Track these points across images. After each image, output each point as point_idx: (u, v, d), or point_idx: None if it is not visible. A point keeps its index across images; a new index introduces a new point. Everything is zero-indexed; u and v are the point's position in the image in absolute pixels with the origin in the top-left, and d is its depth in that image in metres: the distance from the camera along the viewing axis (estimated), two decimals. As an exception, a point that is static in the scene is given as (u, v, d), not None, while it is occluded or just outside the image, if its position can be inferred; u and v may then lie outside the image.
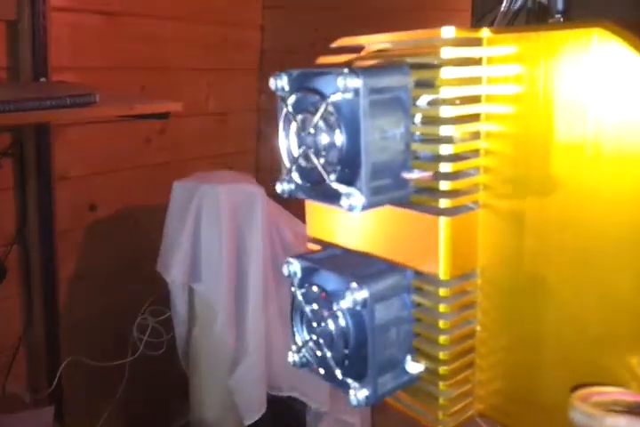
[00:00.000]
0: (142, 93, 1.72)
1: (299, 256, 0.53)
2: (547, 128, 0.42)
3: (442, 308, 0.47)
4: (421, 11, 1.79)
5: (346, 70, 0.42)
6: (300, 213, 1.86)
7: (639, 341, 0.39)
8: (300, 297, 0.52)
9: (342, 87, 0.43)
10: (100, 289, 1.66)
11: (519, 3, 0.77)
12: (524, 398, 0.48)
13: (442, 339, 0.48)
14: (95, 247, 1.66)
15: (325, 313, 0.49)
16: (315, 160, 0.46)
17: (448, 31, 0.43)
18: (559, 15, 0.64)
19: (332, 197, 0.46)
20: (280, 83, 0.49)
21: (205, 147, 1.93)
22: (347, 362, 0.49)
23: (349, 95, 0.43)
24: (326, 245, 0.56)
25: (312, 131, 0.46)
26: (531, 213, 0.44)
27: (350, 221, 0.53)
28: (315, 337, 0.51)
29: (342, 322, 0.48)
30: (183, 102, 1.50)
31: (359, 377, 0.48)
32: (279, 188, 0.51)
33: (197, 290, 1.52)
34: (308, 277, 0.52)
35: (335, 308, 0.48)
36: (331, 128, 0.45)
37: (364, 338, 0.47)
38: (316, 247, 0.57)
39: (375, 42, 0.49)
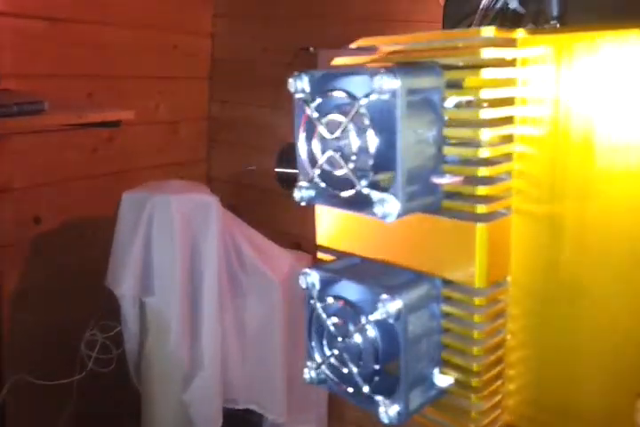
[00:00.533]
0: (90, 101, 1.65)
1: (316, 267, 0.50)
2: (587, 131, 0.41)
3: (476, 317, 0.45)
4: (375, 22, 1.79)
5: (383, 70, 0.40)
6: (257, 224, 1.81)
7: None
8: (320, 311, 0.49)
9: (378, 88, 0.40)
10: (45, 305, 1.57)
11: (492, 14, 0.77)
12: (558, 408, 0.46)
13: (475, 350, 0.46)
14: (40, 262, 1.57)
15: (351, 327, 0.47)
16: (343, 165, 0.44)
17: (488, 31, 0.41)
18: (555, 21, 0.64)
19: (362, 205, 0.44)
20: (300, 84, 0.46)
21: (155, 156, 1.87)
22: (376, 378, 0.46)
23: (386, 96, 0.41)
24: (341, 255, 0.53)
25: (340, 134, 0.43)
26: (569, 219, 0.43)
27: (369, 229, 0.51)
28: (337, 353, 0.48)
29: (371, 336, 0.46)
30: (132, 110, 1.45)
31: (389, 393, 0.46)
32: (297, 195, 0.48)
33: (149, 304, 1.47)
34: (328, 288, 0.49)
35: (363, 321, 0.46)
36: (362, 131, 0.42)
37: (396, 352, 0.45)
38: (327, 257, 0.55)
39: (401, 42, 0.47)
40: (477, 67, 0.42)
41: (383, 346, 0.46)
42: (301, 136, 0.47)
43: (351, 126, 0.43)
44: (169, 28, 1.85)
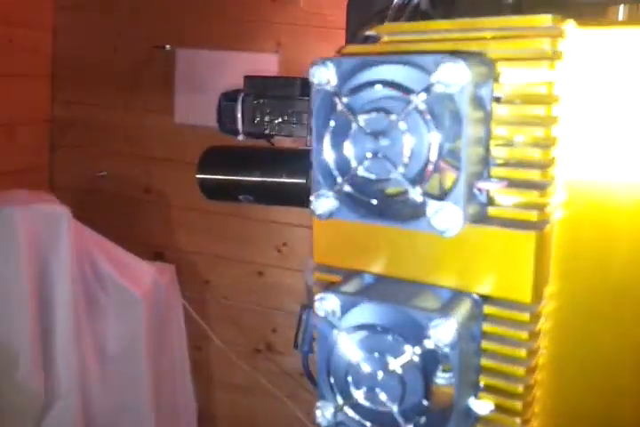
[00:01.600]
0: None
1: (332, 290, 0.43)
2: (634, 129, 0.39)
3: (524, 335, 0.41)
4: (232, 21, 1.71)
5: (448, 58, 0.34)
6: (113, 234, 1.65)
7: None
8: (345, 342, 0.41)
9: (444, 80, 0.34)
10: None
11: (403, 14, 0.75)
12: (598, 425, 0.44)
13: (521, 370, 0.42)
14: None
15: (389, 359, 0.40)
16: (392, 170, 0.37)
17: (545, 19, 0.37)
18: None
19: (409, 216, 0.38)
20: (325, 74, 0.38)
21: (-12, 163, 1.62)
22: (422, 416, 0.40)
23: (452, 90, 0.35)
24: (345, 273, 0.46)
25: (387, 134, 0.37)
26: (623, 225, 0.40)
27: (387, 242, 0.44)
28: (368, 390, 0.41)
29: (417, 368, 0.40)
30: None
31: (436, 430, 0.40)
32: (318, 206, 0.40)
33: (-8, 332, 1.28)
34: (351, 315, 0.42)
35: (408, 350, 0.39)
36: (416, 130, 0.36)
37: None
38: (327, 277, 0.47)
39: (435, 29, 0.41)
40: (530, 59, 0.38)
41: (430, 378, 0.40)
42: (326, 137, 0.39)
43: (402, 125, 0.36)
44: (3, 19, 1.61)
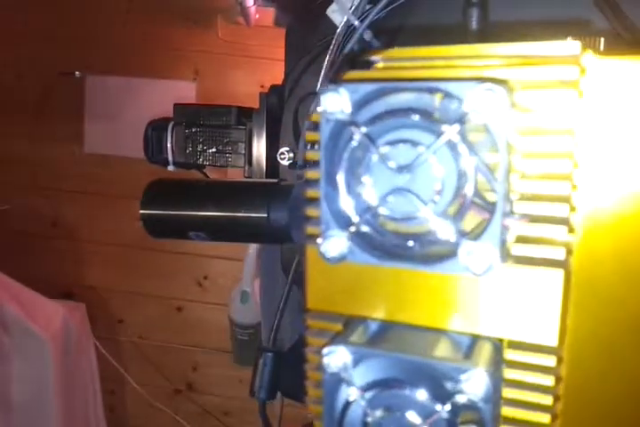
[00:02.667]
0: None
1: (342, 342, 0.38)
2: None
3: (550, 382, 0.38)
4: (148, 49, 1.64)
5: (486, 83, 0.31)
6: (16, 274, 1.53)
7: None
8: (361, 402, 0.37)
9: (482, 108, 0.31)
10: None
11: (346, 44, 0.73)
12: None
13: (546, 418, 0.39)
14: None
15: (413, 418, 0.36)
16: (420, 207, 0.33)
17: (573, 46, 0.35)
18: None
19: (438, 258, 0.34)
20: (337, 102, 0.34)
21: None
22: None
23: (493, 118, 0.32)
24: (349, 321, 0.42)
25: (413, 168, 0.33)
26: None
27: (393, 286, 0.40)
28: (389, 452, 0.37)
29: (446, 424, 0.36)
30: None
31: None
32: (328, 248, 0.36)
33: None
34: (364, 369, 0.37)
35: (438, 409, 0.35)
36: (447, 163, 0.33)
37: (480, 439, 0.36)
38: (324, 324, 0.43)
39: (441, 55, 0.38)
40: (550, 87, 0.36)
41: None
42: (339, 172, 0.35)
43: (431, 158, 0.33)
44: None
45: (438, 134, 0.32)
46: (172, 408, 1.91)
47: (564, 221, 0.37)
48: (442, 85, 0.33)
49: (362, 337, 0.40)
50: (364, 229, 0.35)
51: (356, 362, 0.37)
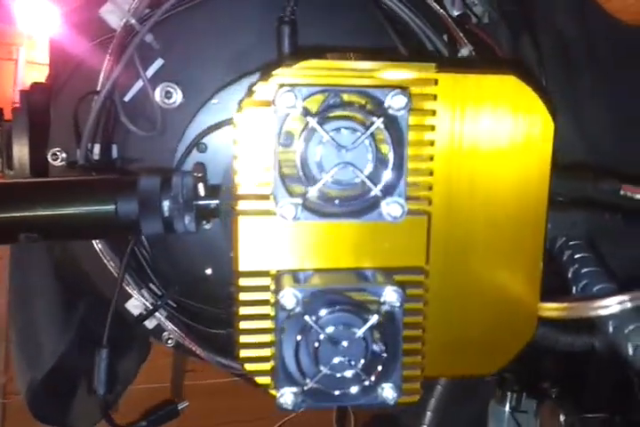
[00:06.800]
0: None
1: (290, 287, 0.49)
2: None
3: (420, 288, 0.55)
4: None
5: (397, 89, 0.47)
6: None
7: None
8: (314, 325, 0.48)
9: (397, 105, 0.47)
10: None
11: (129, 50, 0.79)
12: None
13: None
14: None
15: (355, 329, 0.49)
16: (359, 175, 0.47)
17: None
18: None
19: (364, 212, 0.48)
20: (291, 99, 0.46)
21: None
22: (379, 366, 0.50)
23: (401, 113, 0.47)
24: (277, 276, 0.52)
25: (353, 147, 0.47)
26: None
27: (320, 240, 0.52)
28: (337, 361, 0.49)
29: (377, 330, 0.50)
30: None
31: (387, 377, 0.50)
32: (284, 212, 0.47)
33: None
34: (315, 301, 0.49)
35: (373, 319, 0.49)
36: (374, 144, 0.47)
37: (395, 336, 0.50)
38: (257, 281, 0.52)
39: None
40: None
41: (391, 333, 0.50)
42: (300, 146, 0.46)
43: (367, 141, 0.47)
44: None
45: (370, 124, 0.47)
46: None
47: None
48: (369, 90, 0.47)
49: (297, 282, 0.51)
50: (312, 195, 0.47)
51: (304, 298, 0.49)
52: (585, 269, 0.65)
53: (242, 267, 0.53)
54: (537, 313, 0.60)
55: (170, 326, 0.82)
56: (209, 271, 0.81)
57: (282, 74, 0.51)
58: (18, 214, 0.65)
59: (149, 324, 0.83)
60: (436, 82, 0.53)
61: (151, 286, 0.83)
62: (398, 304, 0.50)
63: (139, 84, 0.78)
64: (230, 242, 0.78)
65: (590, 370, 0.94)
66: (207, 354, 0.83)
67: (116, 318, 0.84)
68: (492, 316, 0.60)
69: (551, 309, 0.58)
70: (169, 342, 0.85)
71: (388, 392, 0.50)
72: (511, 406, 1.05)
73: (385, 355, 0.50)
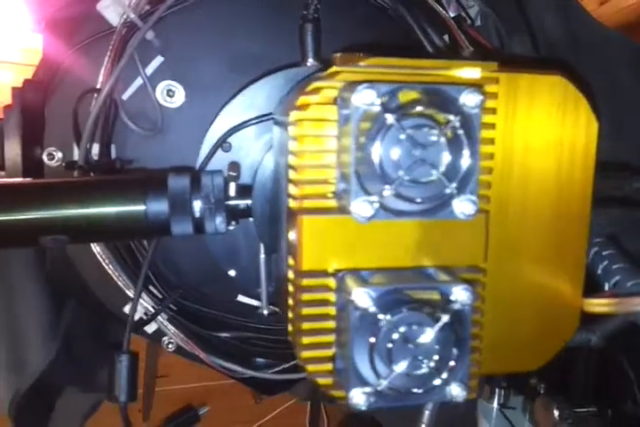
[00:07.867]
0: None
1: (362, 287, 0.48)
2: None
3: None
4: None
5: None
6: None
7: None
8: (388, 325, 0.48)
9: (471, 104, 0.47)
10: None
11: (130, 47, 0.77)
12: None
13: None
14: None
15: (427, 328, 0.48)
16: (434, 172, 0.47)
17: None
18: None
19: (437, 210, 0.48)
20: (370, 96, 0.45)
21: None
22: (452, 363, 0.50)
23: (475, 110, 0.47)
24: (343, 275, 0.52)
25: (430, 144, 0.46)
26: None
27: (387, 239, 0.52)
28: (410, 360, 0.48)
29: (448, 328, 0.49)
30: None
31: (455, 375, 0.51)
32: (361, 211, 0.46)
33: None
34: (389, 300, 0.48)
35: (445, 318, 0.49)
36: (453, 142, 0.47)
37: (464, 335, 0.50)
38: (322, 282, 0.51)
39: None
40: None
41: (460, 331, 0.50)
42: (374, 144, 0.46)
43: (442, 139, 0.47)
44: None
45: (446, 122, 0.47)
46: None
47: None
48: (444, 87, 0.47)
49: (365, 282, 0.51)
50: (388, 193, 0.47)
51: (376, 298, 0.49)
52: (616, 266, 0.67)
53: (305, 266, 0.52)
54: (579, 311, 0.61)
55: (172, 329, 0.81)
56: (232, 273, 0.79)
57: (348, 71, 0.50)
58: (46, 215, 0.63)
59: (149, 328, 0.82)
60: (497, 80, 0.53)
61: (151, 288, 0.81)
62: (469, 303, 0.50)
63: (137, 82, 0.76)
64: (253, 242, 0.77)
65: (579, 365, 0.96)
66: (210, 358, 0.82)
67: (116, 323, 0.82)
68: (539, 313, 0.61)
69: (600, 304, 0.59)
70: (169, 346, 0.84)
71: (455, 390, 0.50)
72: (499, 402, 1.06)
73: (455, 353, 0.50)
